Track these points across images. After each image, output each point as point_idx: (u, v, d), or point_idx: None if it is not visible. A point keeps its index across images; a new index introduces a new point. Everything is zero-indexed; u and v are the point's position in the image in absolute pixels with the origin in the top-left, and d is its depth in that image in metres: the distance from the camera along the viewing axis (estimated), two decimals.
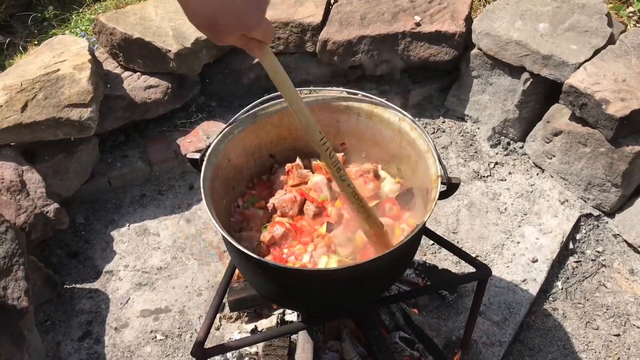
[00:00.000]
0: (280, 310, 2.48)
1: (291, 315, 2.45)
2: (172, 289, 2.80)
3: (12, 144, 2.86)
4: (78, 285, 2.84)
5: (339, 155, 2.27)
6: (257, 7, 1.22)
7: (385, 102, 2.12)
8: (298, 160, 2.29)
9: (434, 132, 3.60)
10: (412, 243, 1.91)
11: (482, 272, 2.08)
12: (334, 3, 3.66)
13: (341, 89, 3.35)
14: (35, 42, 4.02)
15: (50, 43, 3.26)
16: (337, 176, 1.72)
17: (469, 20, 3.40)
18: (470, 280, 2.15)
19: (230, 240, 1.69)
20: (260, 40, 1.31)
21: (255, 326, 2.47)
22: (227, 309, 2.62)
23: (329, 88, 2.27)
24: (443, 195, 1.86)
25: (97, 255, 2.96)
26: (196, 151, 2.02)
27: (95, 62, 3.12)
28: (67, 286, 2.83)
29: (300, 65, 3.64)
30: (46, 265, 2.78)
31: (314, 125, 1.60)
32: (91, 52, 3.14)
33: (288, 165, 2.26)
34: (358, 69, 3.68)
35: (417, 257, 2.86)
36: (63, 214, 2.82)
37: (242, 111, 2.05)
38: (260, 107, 2.12)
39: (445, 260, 2.89)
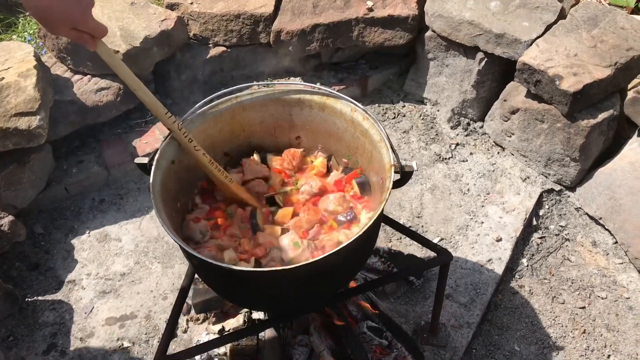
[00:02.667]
0: (247, 309, 2.45)
1: (258, 313, 2.42)
2: (136, 294, 2.76)
3: None
4: (40, 298, 2.77)
5: (298, 151, 2.24)
6: (79, 7, 1.49)
7: (336, 93, 2.09)
8: (255, 156, 2.26)
9: (394, 117, 3.59)
10: (370, 233, 1.90)
11: (444, 257, 2.09)
12: None
13: (298, 79, 3.33)
14: None
15: None
16: (189, 145, 1.91)
17: (421, 2, 3.38)
18: (432, 265, 2.16)
19: (184, 246, 1.66)
20: (91, 34, 1.59)
21: (223, 326, 2.44)
22: (193, 311, 2.59)
23: (280, 82, 2.24)
24: (397, 184, 1.85)
25: (59, 265, 2.90)
26: (145, 155, 1.98)
27: (42, 68, 3.02)
28: (29, 299, 2.76)
29: (256, 57, 3.59)
30: (5, 279, 2.71)
31: (155, 101, 1.82)
32: (37, 57, 3.04)
33: (243, 160, 2.23)
34: (315, 58, 3.65)
35: (382, 244, 2.86)
36: (19, 226, 2.74)
37: (189, 111, 2.01)
38: (209, 105, 2.08)
39: (411, 245, 2.89)
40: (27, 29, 4.14)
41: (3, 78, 2.80)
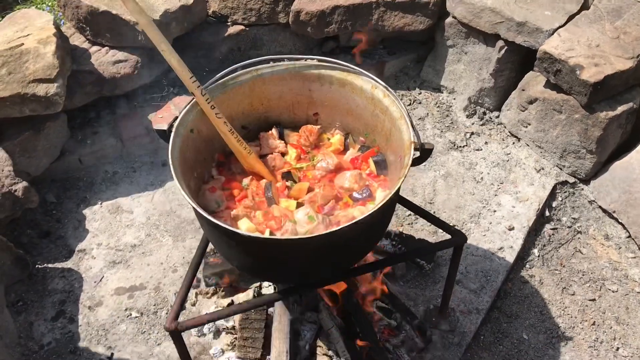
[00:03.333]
0: (257, 284, 2.45)
1: (268, 289, 2.42)
2: (146, 266, 2.76)
3: None
4: (50, 265, 2.78)
5: (315, 127, 2.23)
6: None
7: (358, 69, 2.08)
8: (273, 130, 2.25)
9: (410, 103, 3.57)
10: (386, 210, 1.89)
11: (458, 238, 2.08)
12: None
13: (314, 57, 3.30)
14: None
15: (14, 17, 3.14)
16: (211, 112, 1.93)
17: None
18: (445, 246, 2.15)
19: (200, 211, 1.65)
20: None
21: (232, 300, 2.44)
22: (203, 284, 2.59)
23: (302, 57, 2.22)
24: (416, 162, 1.84)
25: (70, 234, 2.90)
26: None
27: (61, 37, 3.02)
28: (39, 266, 2.77)
29: (274, 38, 3.57)
30: (16, 245, 2.71)
31: (182, 64, 1.89)
32: (57, 26, 3.04)
33: (261, 134, 2.23)
34: (332, 40, 3.63)
35: (394, 228, 2.85)
36: (32, 193, 2.74)
37: (210, 80, 2.00)
38: (230, 76, 2.07)
39: (422, 231, 2.89)
40: (45, 1, 4.15)
41: (23, 44, 2.80)
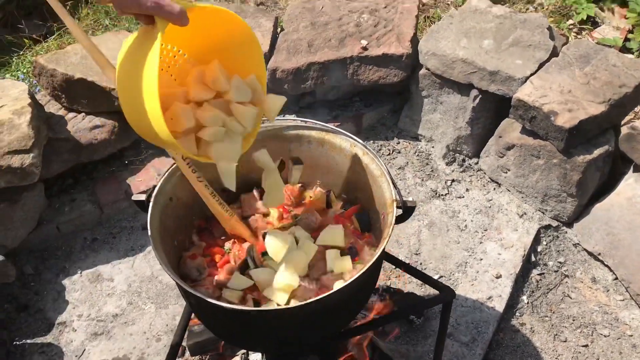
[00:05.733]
0: (244, 351, 2.38)
1: (255, 355, 2.35)
2: (129, 336, 2.68)
3: None
4: (29, 340, 2.68)
5: (296, 186, 2.22)
6: None
7: (336, 128, 2.08)
8: (254, 192, 2.23)
9: (389, 153, 3.59)
10: (374, 269, 1.86)
11: (446, 294, 2.05)
12: (280, 32, 3.64)
13: (294, 116, 3.32)
14: None
15: None
16: (192, 176, 1.86)
17: (415, 41, 3.42)
18: (435, 303, 2.12)
19: (182, 284, 1.61)
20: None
21: None
22: (187, 353, 2.51)
23: (281, 117, 2.22)
24: (400, 220, 1.82)
25: (49, 307, 2.82)
26: (142, 192, 1.94)
27: (36, 106, 3.00)
28: (17, 342, 2.67)
29: None
30: None
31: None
32: (31, 95, 3.02)
33: (242, 196, 2.20)
34: (309, 95, 3.66)
35: (381, 282, 2.81)
36: (9, 267, 2.68)
37: None
38: None
39: (410, 283, 2.85)
40: (20, 68, 4.14)
41: None
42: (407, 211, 1.82)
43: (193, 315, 2.08)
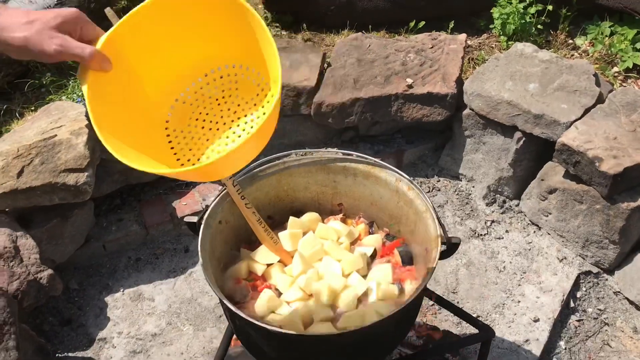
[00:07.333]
0: None
1: None
2: (167, 356, 2.73)
3: (7, 210, 2.85)
4: (70, 354, 2.76)
5: (338, 217, 2.27)
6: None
7: (382, 162, 2.13)
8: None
9: (429, 190, 3.61)
10: (415, 303, 1.89)
11: (486, 333, 2.05)
12: (327, 67, 3.74)
13: (336, 150, 3.39)
14: (32, 109, 4.05)
15: (48, 109, 3.29)
16: (241, 203, 1.95)
17: (459, 81, 3.48)
18: (474, 342, 2.12)
19: (230, 306, 1.66)
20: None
21: None
22: None
23: (324, 150, 2.30)
24: (443, 255, 1.85)
25: (91, 322, 2.90)
26: (192, 214, 2.02)
27: (92, 128, 3.13)
28: (59, 355, 2.74)
29: (296, 127, 3.68)
30: (38, 333, 2.71)
31: None
32: (88, 117, 3.16)
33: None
34: (352, 130, 3.73)
35: (417, 318, 2.81)
36: (57, 280, 2.77)
37: (240, 172, 2.06)
38: (258, 169, 2.13)
39: (446, 321, 2.85)
40: (76, 91, 4.33)
41: (56, 135, 2.91)
42: (451, 248, 1.85)
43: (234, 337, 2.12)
